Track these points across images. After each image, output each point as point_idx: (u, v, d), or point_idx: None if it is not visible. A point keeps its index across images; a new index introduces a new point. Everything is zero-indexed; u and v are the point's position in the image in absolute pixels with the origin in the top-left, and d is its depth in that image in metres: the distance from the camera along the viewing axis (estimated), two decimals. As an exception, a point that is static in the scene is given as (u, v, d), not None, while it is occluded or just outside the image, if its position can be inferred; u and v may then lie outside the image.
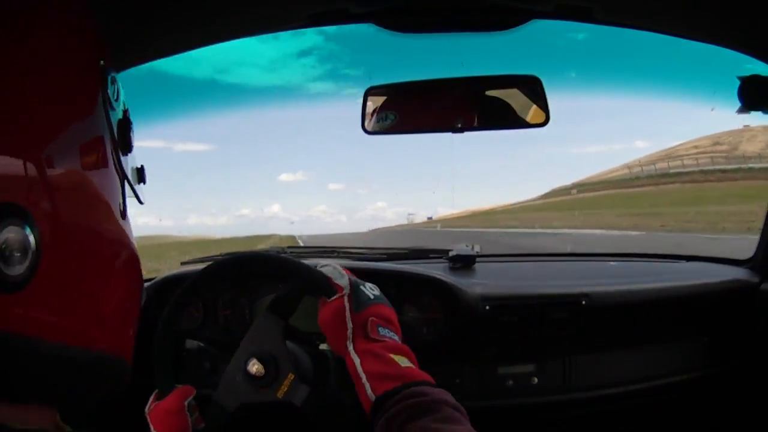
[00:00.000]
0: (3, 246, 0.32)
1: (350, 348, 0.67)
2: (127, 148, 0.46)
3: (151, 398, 0.74)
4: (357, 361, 0.65)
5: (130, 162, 0.47)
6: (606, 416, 1.22)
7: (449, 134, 1.12)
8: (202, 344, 1.12)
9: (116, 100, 0.44)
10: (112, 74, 0.44)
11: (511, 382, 1.14)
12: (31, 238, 0.33)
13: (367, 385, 0.63)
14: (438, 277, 1.13)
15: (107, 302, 0.41)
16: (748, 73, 0.99)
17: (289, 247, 1.51)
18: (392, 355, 0.65)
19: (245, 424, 0.73)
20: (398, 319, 1.10)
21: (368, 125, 1.11)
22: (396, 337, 0.70)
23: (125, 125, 0.45)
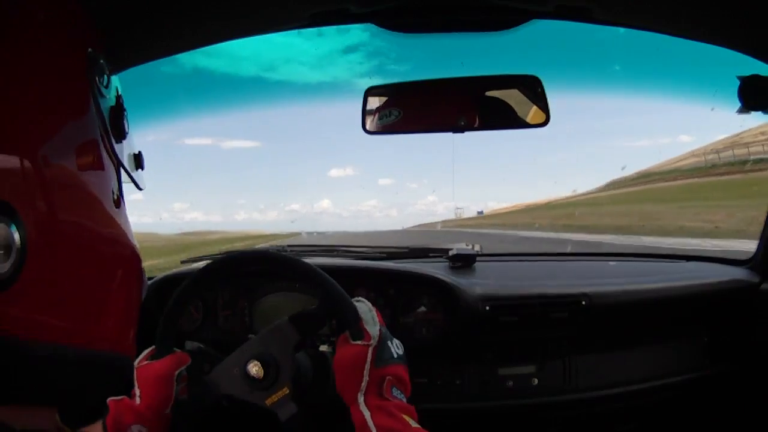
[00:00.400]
0: None
1: (360, 400, 0.67)
2: (121, 135, 0.45)
3: (145, 353, 0.73)
4: (367, 414, 0.65)
5: (127, 149, 0.46)
6: (606, 416, 1.22)
7: (449, 133, 1.12)
8: (201, 345, 1.12)
9: (106, 87, 0.44)
10: (101, 60, 0.43)
11: (511, 383, 1.14)
12: (16, 235, 0.32)
13: None
14: (438, 276, 1.13)
15: (103, 299, 0.40)
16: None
17: (289, 246, 1.50)
18: (403, 415, 0.66)
19: (224, 413, 0.74)
20: (398, 319, 1.10)
21: (370, 124, 1.11)
22: (404, 399, 0.70)
23: (118, 112, 0.45)
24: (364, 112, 1.10)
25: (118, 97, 0.46)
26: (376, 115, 1.11)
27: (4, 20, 0.34)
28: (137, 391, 0.69)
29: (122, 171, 0.46)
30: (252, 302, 1.16)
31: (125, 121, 0.46)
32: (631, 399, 1.17)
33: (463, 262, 1.33)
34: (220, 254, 1.28)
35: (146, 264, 0.62)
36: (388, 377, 0.68)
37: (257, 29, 0.93)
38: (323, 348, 0.81)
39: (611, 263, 1.50)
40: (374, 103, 1.11)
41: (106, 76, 0.44)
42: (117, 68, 0.89)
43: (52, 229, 0.36)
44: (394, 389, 0.68)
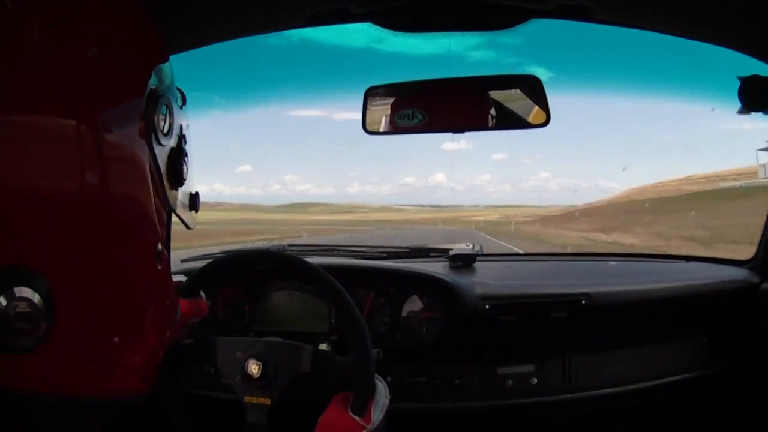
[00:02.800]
0: (11, 316, 0.29)
1: None
2: (178, 182, 0.43)
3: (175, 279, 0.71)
4: None
5: (185, 187, 0.43)
6: (606, 416, 1.22)
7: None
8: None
9: (166, 133, 0.40)
10: (167, 103, 0.40)
11: (510, 382, 1.14)
12: (41, 303, 0.30)
13: None
14: (438, 276, 1.13)
15: (134, 351, 0.38)
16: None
17: (289, 245, 1.50)
18: None
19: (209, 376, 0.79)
20: (398, 318, 1.10)
21: (376, 124, 1.11)
22: None
23: (177, 157, 0.42)
24: (365, 112, 1.10)
25: (181, 139, 0.43)
26: (398, 113, 1.10)
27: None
28: None
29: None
30: (252, 301, 1.16)
31: (185, 167, 0.43)
32: (630, 399, 1.17)
33: (464, 262, 1.33)
34: (220, 254, 1.28)
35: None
36: None
37: (255, 29, 0.94)
38: (322, 347, 0.82)
39: (611, 263, 1.50)
40: (375, 102, 1.11)
41: (168, 118, 0.40)
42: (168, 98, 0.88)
43: (83, 290, 0.34)
44: None
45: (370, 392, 0.71)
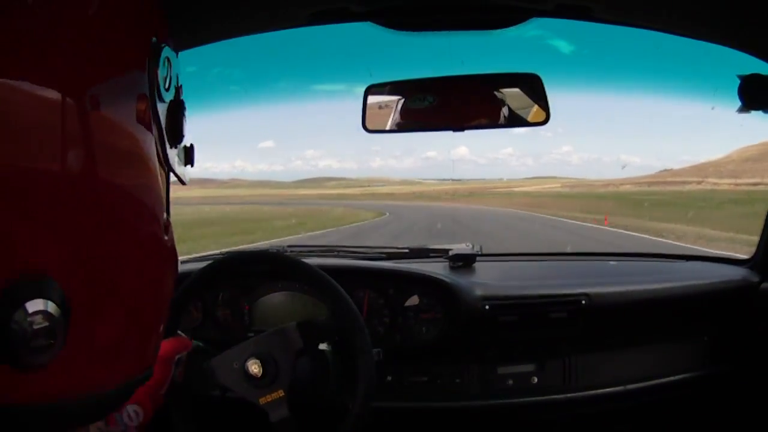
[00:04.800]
0: (25, 334, 0.27)
1: None
2: (177, 139, 0.40)
3: None
4: None
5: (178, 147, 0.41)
6: (606, 416, 1.22)
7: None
8: (201, 344, 1.12)
9: (167, 89, 0.38)
10: (167, 55, 0.37)
11: (511, 382, 1.14)
12: (57, 313, 0.28)
13: None
14: (438, 276, 1.13)
15: (140, 336, 0.37)
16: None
17: (289, 246, 1.50)
18: None
19: (217, 403, 0.74)
20: (398, 318, 1.10)
21: (370, 123, 1.11)
22: None
23: (176, 111, 0.39)
24: (365, 110, 1.10)
25: (178, 92, 0.40)
26: (412, 97, 1.09)
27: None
28: None
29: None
30: (252, 301, 1.16)
31: (184, 122, 0.40)
32: (630, 398, 1.17)
33: (463, 262, 1.33)
34: (221, 254, 1.27)
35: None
36: None
37: (255, 28, 0.93)
38: (322, 346, 0.82)
39: (611, 263, 1.50)
40: (375, 101, 1.11)
41: (169, 72, 0.38)
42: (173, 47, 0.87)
43: (95, 284, 0.31)
44: None
45: (364, 341, 0.74)
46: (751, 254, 1.29)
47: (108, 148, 0.32)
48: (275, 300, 1.15)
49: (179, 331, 0.77)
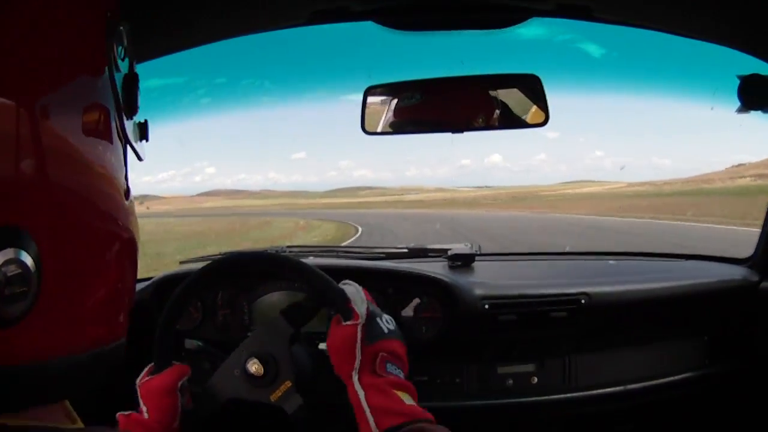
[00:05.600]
0: (2, 283, 0.28)
1: (355, 379, 0.67)
2: (133, 110, 0.41)
3: (145, 370, 0.73)
4: (361, 393, 0.65)
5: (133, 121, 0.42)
6: (606, 416, 1.22)
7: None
8: (201, 344, 1.12)
9: (122, 59, 0.39)
10: (121, 28, 0.39)
11: (510, 382, 1.14)
12: (30, 263, 0.29)
13: (371, 419, 0.63)
14: (437, 276, 1.13)
15: (107, 295, 0.38)
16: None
17: (288, 246, 1.50)
18: (397, 392, 0.66)
19: (232, 417, 0.74)
20: (398, 318, 1.10)
21: (371, 123, 1.11)
22: (402, 375, 0.70)
23: (131, 83, 0.40)
24: (364, 112, 1.10)
25: (132, 66, 0.41)
26: (401, 96, 1.10)
27: None
28: (144, 408, 0.68)
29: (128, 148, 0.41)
30: (251, 301, 1.16)
31: (138, 94, 0.41)
32: (630, 398, 1.17)
33: (463, 262, 1.33)
34: (219, 255, 1.28)
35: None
36: (381, 353, 0.68)
37: (256, 27, 0.93)
38: (322, 346, 0.82)
39: (611, 262, 1.50)
40: (375, 101, 1.11)
41: (124, 45, 0.39)
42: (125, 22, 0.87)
43: (66, 240, 0.32)
44: (388, 365, 0.68)
45: (342, 298, 0.71)
46: (751, 253, 1.29)
47: (70, 127, 0.33)
48: (275, 299, 1.15)
49: (186, 340, 0.76)
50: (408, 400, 0.66)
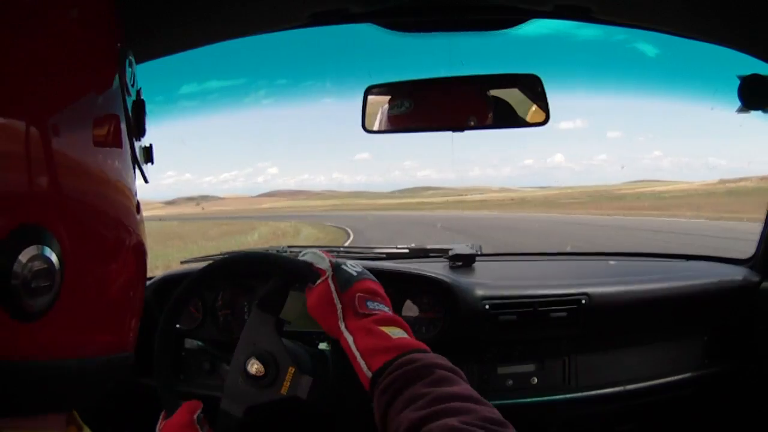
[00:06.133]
0: (28, 276, 0.29)
1: (342, 327, 0.67)
2: (141, 132, 0.44)
3: (160, 418, 0.73)
4: (350, 339, 0.66)
5: (140, 144, 0.45)
6: (606, 416, 1.22)
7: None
8: (201, 344, 1.12)
9: (132, 85, 0.42)
10: (130, 57, 0.42)
11: (511, 382, 1.14)
12: (55, 260, 0.31)
13: (363, 363, 0.63)
14: (437, 276, 1.13)
15: (118, 302, 0.39)
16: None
17: (289, 246, 1.51)
18: (383, 328, 0.65)
19: (256, 426, 0.73)
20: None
21: (371, 122, 1.11)
22: (386, 309, 0.70)
23: (139, 108, 0.43)
24: (364, 111, 1.10)
25: (139, 92, 0.44)
26: (390, 104, 1.10)
27: (34, 18, 0.32)
28: None
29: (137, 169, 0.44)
30: (252, 301, 1.16)
31: (145, 118, 0.45)
32: (630, 398, 1.17)
33: (463, 262, 1.33)
34: (220, 255, 1.28)
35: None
36: (357, 294, 0.69)
37: (256, 29, 0.94)
38: (322, 346, 0.82)
39: (611, 262, 1.50)
40: (375, 101, 1.11)
41: (132, 73, 0.43)
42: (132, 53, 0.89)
43: (85, 244, 0.34)
44: (369, 302, 0.69)
45: (305, 266, 0.72)
46: (751, 254, 1.29)
47: (87, 145, 0.36)
48: None
49: (186, 340, 0.76)
50: (397, 333, 0.65)
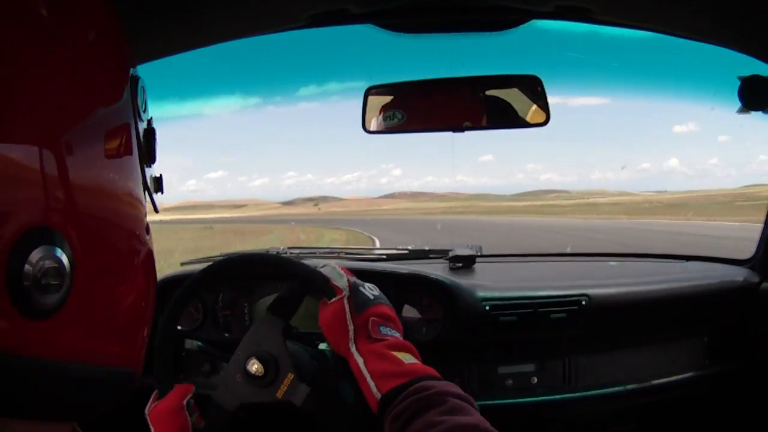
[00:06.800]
0: (39, 274, 0.31)
1: (353, 349, 0.67)
2: (152, 159, 0.45)
3: (152, 398, 0.73)
4: (361, 361, 0.66)
5: (151, 172, 0.46)
6: (606, 416, 1.22)
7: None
8: (201, 344, 1.12)
9: (144, 111, 0.44)
10: (142, 84, 0.43)
11: (510, 382, 1.14)
12: (65, 261, 0.32)
13: (372, 384, 0.63)
14: (438, 277, 1.13)
15: (127, 316, 0.40)
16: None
17: (289, 248, 1.51)
18: (395, 353, 0.66)
19: (245, 423, 0.73)
20: (398, 319, 1.10)
21: (372, 124, 1.11)
22: (397, 335, 0.71)
23: (150, 135, 0.45)
24: (365, 112, 1.10)
25: (150, 121, 0.46)
26: (383, 114, 1.11)
27: (48, 40, 0.33)
28: None
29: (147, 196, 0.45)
30: (252, 302, 1.16)
31: (155, 145, 0.46)
32: (631, 399, 1.17)
33: (463, 263, 1.33)
34: (220, 256, 1.28)
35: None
36: (371, 318, 0.69)
37: (256, 30, 0.94)
38: (322, 346, 0.82)
39: (611, 263, 1.50)
40: (375, 102, 1.11)
41: (144, 99, 0.44)
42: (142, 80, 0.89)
43: (95, 254, 0.36)
44: (381, 328, 0.69)
45: (322, 279, 0.73)
46: (751, 254, 1.29)
47: (100, 165, 0.37)
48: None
49: (186, 340, 0.76)
50: (408, 359, 0.66)
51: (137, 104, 0.42)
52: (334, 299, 0.71)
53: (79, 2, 0.37)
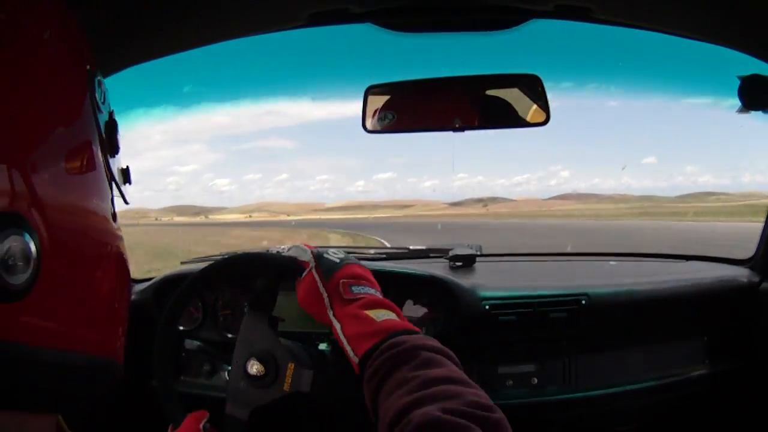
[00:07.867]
0: (6, 255, 0.32)
1: (331, 315, 0.68)
2: (115, 150, 0.46)
3: (169, 430, 0.73)
4: (338, 326, 0.66)
5: (116, 164, 0.47)
6: (606, 416, 1.22)
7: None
8: (201, 344, 1.12)
9: (103, 103, 0.45)
10: (99, 78, 0.44)
11: (511, 382, 1.14)
12: (32, 246, 0.33)
13: (350, 349, 0.63)
14: (438, 276, 1.13)
15: (100, 304, 0.41)
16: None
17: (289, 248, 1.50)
18: (368, 312, 0.65)
19: (263, 428, 0.72)
20: None
21: (369, 124, 1.11)
22: (371, 291, 0.70)
23: (112, 127, 0.46)
24: (365, 111, 1.10)
25: (111, 113, 0.47)
26: (377, 115, 1.11)
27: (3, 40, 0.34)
28: None
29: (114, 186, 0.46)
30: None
31: (118, 136, 0.47)
32: (631, 399, 1.17)
33: (463, 262, 1.33)
34: (220, 256, 1.28)
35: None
36: (341, 281, 0.69)
37: (255, 29, 0.94)
38: (322, 347, 0.82)
39: (611, 263, 1.50)
40: (375, 102, 1.11)
41: (102, 92, 0.45)
42: (115, 69, 0.90)
43: (61, 240, 0.36)
44: (353, 288, 0.69)
45: (291, 262, 0.74)
46: (751, 254, 1.29)
47: (61, 164, 0.38)
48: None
49: (186, 340, 0.75)
50: (382, 315, 0.65)
51: (96, 98, 0.43)
52: (304, 273, 0.72)
53: (30, 4, 0.37)
